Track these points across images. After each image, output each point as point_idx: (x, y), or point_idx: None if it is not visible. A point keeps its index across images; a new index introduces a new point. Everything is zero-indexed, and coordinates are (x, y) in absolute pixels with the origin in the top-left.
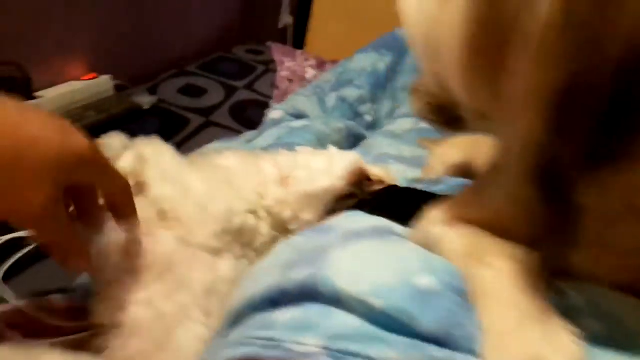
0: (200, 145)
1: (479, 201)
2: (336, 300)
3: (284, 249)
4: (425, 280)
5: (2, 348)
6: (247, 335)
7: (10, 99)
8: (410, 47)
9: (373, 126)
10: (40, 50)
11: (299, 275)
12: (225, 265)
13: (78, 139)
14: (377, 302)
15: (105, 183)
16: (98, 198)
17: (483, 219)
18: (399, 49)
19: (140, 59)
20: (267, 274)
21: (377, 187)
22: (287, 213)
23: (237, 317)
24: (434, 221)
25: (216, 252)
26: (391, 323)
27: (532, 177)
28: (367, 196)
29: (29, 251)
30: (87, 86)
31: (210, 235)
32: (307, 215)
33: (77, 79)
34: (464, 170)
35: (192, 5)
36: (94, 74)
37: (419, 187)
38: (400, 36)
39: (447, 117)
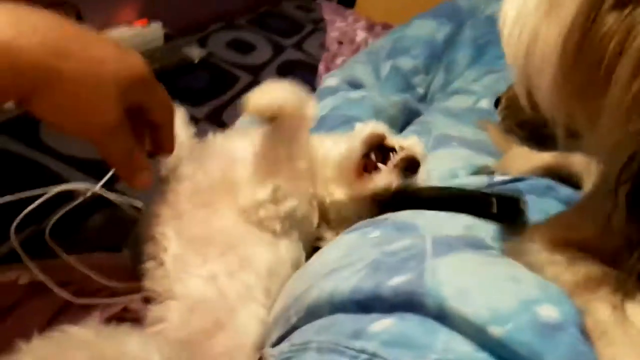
0: None
1: (584, 222)
2: (440, 316)
3: (360, 244)
4: (549, 312)
5: (85, 330)
6: (336, 342)
7: (66, 20)
8: (508, 61)
9: (424, 99)
10: None
11: (394, 282)
12: (285, 247)
13: (135, 58)
14: (496, 330)
15: (154, 103)
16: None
17: (590, 242)
18: (458, 20)
19: (189, 8)
20: (350, 272)
21: (403, 156)
22: (325, 198)
23: (312, 312)
24: (535, 241)
25: (276, 235)
26: (510, 356)
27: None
28: (397, 164)
29: (78, 205)
30: (136, 34)
31: (274, 217)
32: (339, 194)
33: (128, 23)
34: (552, 173)
35: None
36: (145, 20)
37: (496, 180)
38: (462, 6)
39: (535, 134)
